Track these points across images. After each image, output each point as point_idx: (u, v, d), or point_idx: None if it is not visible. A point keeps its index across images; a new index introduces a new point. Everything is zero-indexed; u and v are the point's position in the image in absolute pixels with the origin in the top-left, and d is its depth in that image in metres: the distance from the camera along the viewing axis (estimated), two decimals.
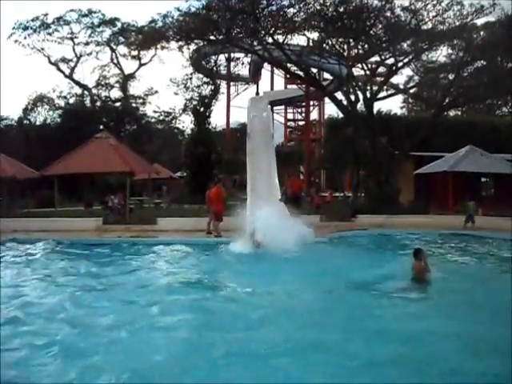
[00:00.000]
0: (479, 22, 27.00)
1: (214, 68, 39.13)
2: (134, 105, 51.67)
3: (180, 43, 30.46)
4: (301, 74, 32.06)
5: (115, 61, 52.31)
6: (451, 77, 28.96)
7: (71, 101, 49.98)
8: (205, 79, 38.95)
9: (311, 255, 14.74)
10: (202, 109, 35.27)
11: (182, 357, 6.86)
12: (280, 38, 27.64)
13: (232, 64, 39.87)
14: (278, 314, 8.91)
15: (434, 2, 25.47)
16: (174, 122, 53.17)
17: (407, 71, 34.35)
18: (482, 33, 27.95)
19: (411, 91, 42.20)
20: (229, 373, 6.31)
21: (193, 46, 32.05)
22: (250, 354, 6.94)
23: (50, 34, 47.76)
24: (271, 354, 6.81)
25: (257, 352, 6.96)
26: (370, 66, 31.04)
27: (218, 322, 8.55)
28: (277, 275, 12.25)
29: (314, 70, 35.07)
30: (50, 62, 49.38)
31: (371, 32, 27.08)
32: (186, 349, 7.18)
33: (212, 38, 28.49)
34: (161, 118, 52.97)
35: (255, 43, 28.74)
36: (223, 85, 43.30)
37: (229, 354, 6.82)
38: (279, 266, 13.43)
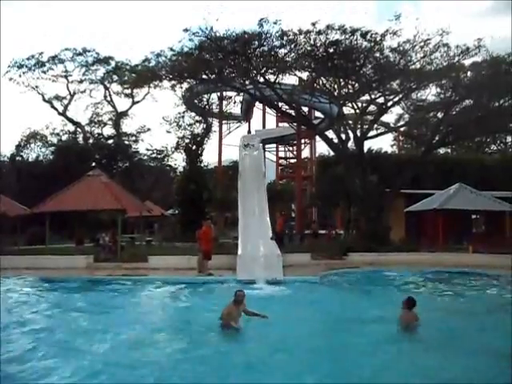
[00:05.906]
0: (466, 62, 27.51)
1: (206, 106, 39.54)
2: (126, 142, 51.85)
3: (173, 82, 30.86)
4: (292, 112, 32.41)
5: (108, 98, 52.89)
6: (440, 115, 29.36)
7: (64, 138, 50.28)
8: (197, 117, 39.28)
9: None
10: (194, 147, 35.38)
11: None
12: (271, 78, 28.13)
13: (224, 102, 40.26)
14: None
15: (422, 44, 26.01)
16: (166, 159, 53.29)
17: (397, 109, 34.74)
18: (468, 73, 28.43)
19: (401, 129, 42.74)
20: None
21: (185, 85, 32.52)
22: None
23: (44, 72, 48.34)
24: None
25: None
26: (360, 104, 31.44)
27: None
28: None
29: (305, 109, 35.40)
30: (44, 99, 49.80)
31: (361, 72, 27.49)
32: None
33: (204, 77, 28.95)
34: (153, 155, 53.09)
35: (247, 82, 29.12)
36: (215, 123, 43.63)
37: None
38: None
